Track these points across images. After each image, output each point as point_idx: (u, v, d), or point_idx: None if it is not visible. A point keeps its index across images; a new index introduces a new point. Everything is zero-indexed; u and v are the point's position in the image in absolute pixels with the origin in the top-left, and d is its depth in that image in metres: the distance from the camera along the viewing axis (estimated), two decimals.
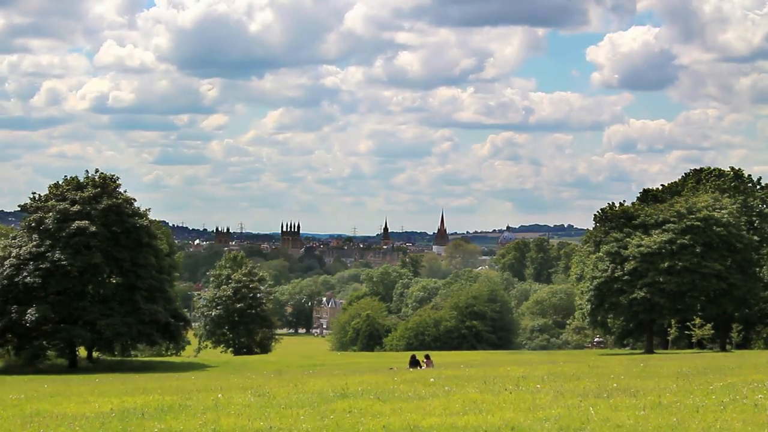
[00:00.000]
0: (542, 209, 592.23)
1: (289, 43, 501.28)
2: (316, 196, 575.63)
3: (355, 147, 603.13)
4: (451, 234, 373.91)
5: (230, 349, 75.86)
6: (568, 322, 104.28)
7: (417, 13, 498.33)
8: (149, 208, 53.52)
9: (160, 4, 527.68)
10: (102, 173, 52.76)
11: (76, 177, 52.93)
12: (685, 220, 56.26)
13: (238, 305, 74.37)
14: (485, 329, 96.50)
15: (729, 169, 68.06)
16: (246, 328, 75.21)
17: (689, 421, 12.77)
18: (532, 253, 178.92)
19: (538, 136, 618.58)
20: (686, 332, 56.99)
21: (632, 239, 56.99)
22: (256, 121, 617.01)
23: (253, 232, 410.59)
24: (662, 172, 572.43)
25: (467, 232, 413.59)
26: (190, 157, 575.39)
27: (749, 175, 67.52)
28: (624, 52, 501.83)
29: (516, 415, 13.80)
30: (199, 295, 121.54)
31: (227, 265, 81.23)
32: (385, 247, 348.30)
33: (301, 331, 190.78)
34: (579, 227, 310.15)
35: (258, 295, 75.66)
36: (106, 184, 51.78)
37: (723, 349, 57.12)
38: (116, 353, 56.15)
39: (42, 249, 48.07)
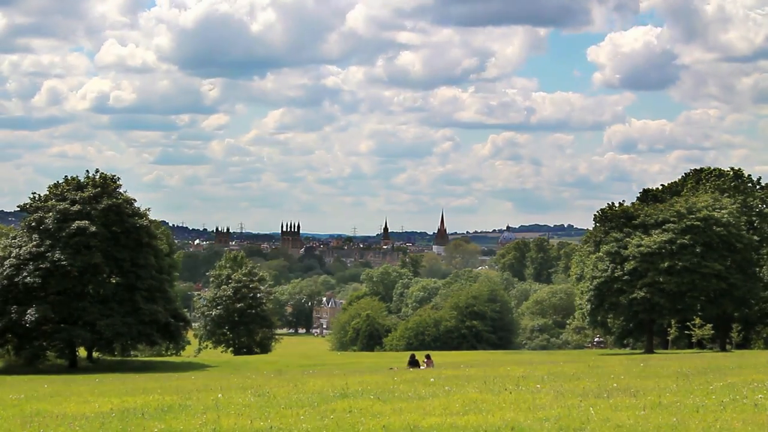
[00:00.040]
0: (542, 209, 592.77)
1: (291, 42, 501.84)
2: (316, 196, 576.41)
3: (355, 147, 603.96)
4: (451, 234, 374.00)
5: (230, 349, 75.88)
6: (568, 322, 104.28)
7: (418, 12, 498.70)
8: (149, 208, 53.66)
9: (162, 4, 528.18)
10: (102, 173, 52.78)
11: (77, 177, 52.95)
12: (685, 220, 56.26)
13: (238, 305, 74.39)
14: (485, 329, 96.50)
15: (729, 169, 68.08)
16: (246, 328, 75.23)
17: (689, 421, 12.77)
18: (532, 253, 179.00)
19: (538, 136, 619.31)
20: (686, 332, 56.97)
21: (632, 239, 57.00)
22: (257, 121, 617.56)
23: (253, 232, 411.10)
24: (663, 172, 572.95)
25: (467, 232, 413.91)
26: (190, 157, 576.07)
27: (749, 175, 67.55)
28: (625, 52, 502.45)
29: (516, 415, 13.80)
30: (199, 295, 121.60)
31: (227, 265, 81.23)
32: (385, 247, 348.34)
33: (301, 331, 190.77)
34: (579, 227, 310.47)
35: (258, 295, 75.67)
36: (106, 184, 51.78)
37: (723, 349, 57.12)
38: (116, 353, 56.16)
39: (42, 249, 48.08)
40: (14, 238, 51.00)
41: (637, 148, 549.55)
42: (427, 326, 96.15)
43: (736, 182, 66.16)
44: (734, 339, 61.19)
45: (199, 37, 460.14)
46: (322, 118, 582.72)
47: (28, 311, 46.98)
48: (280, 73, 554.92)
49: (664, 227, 56.67)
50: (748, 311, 60.14)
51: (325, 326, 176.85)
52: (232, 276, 76.75)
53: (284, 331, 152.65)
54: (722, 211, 57.11)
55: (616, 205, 62.53)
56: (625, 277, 56.13)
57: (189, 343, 76.31)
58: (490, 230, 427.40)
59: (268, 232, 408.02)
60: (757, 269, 60.08)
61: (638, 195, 70.35)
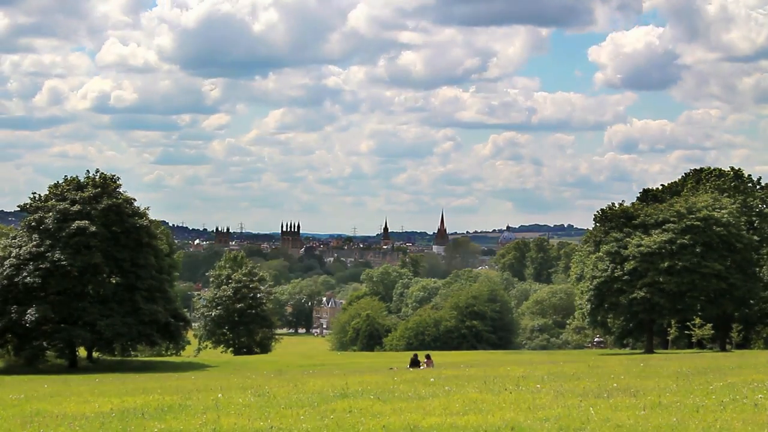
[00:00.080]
0: (543, 209, 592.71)
1: (293, 42, 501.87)
2: (316, 196, 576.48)
3: (356, 147, 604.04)
4: (451, 234, 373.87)
5: (230, 349, 75.87)
6: (568, 322, 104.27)
7: (420, 12, 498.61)
8: (148, 207, 53.62)
9: (163, 4, 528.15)
10: (102, 173, 52.77)
11: (77, 177, 52.95)
12: (685, 220, 56.27)
13: (238, 305, 74.39)
14: (485, 329, 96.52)
15: (729, 169, 68.08)
16: (246, 328, 75.23)
17: (689, 421, 12.77)
18: (532, 253, 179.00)
19: (540, 136, 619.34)
20: (686, 332, 56.98)
21: (632, 239, 57.00)
22: (257, 121, 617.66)
23: (253, 232, 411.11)
24: (663, 172, 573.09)
25: (467, 232, 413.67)
26: (191, 157, 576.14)
27: (749, 175, 67.58)
28: (627, 52, 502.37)
29: (516, 415, 13.80)
30: (199, 295, 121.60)
31: (227, 265, 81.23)
32: (385, 247, 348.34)
33: (301, 331, 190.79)
34: (579, 227, 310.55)
35: (258, 295, 75.68)
36: (106, 184, 51.77)
37: (723, 349, 57.12)
38: (116, 353, 56.16)
39: (42, 249, 48.07)
40: (14, 238, 50.99)
41: (638, 148, 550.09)
42: (427, 326, 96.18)
43: (736, 182, 66.18)
44: (734, 339, 61.20)
45: (201, 36, 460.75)
46: (323, 118, 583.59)
47: (28, 311, 46.98)
48: (281, 73, 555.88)
49: (664, 227, 56.67)
50: (748, 311, 60.14)
51: (325, 326, 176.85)
52: (232, 276, 76.75)
53: (284, 331, 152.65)
54: (722, 211, 57.11)
55: (616, 205, 62.53)
56: (625, 277, 56.13)
57: (189, 343, 76.32)
58: (490, 230, 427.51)
59: (268, 232, 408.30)
60: (757, 269, 60.08)
61: (638, 195, 70.44)
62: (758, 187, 66.77)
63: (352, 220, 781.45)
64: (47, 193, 51.90)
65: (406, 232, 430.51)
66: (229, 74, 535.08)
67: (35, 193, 51.97)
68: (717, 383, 18.35)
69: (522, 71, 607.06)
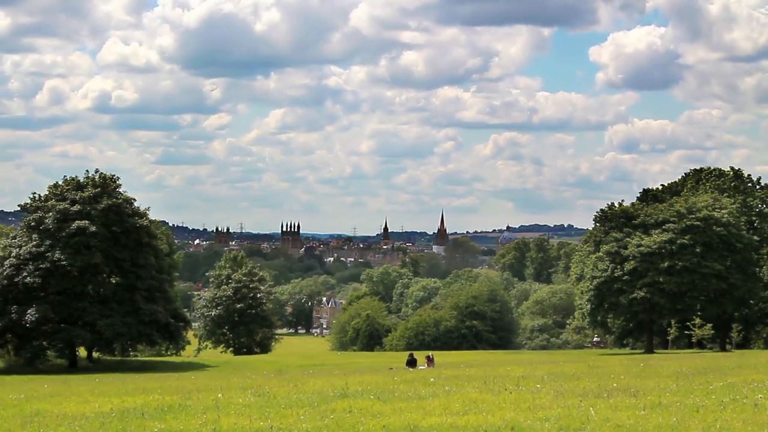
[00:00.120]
0: (543, 209, 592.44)
1: (294, 42, 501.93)
2: (316, 195, 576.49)
3: (357, 147, 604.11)
4: (451, 234, 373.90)
5: (230, 349, 75.86)
6: (568, 322, 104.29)
7: (422, 11, 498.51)
8: (148, 207, 53.63)
9: (164, 4, 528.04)
10: (102, 173, 52.77)
11: (76, 177, 52.94)
12: (684, 220, 56.26)
13: (238, 305, 74.38)
14: (485, 329, 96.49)
15: (729, 169, 68.08)
16: (246, 328, 75.22)
17: (689, 421, 12.77)
18: (532, 253, 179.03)
19: (540, 136, 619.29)
20: (686, 332, 56.97)
21: (632, 239, 56.99)
22: (258, 121, 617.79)
23: (253, 232, 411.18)
24: (664, 172, 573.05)
25: (467, 231, 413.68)
26: (192, 157, 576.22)
27: (749, 175, 67.59)
28: (628, 52, 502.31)
29: (516, 415, 13.80)
30: (198, 295, 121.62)
31: (227, 265, 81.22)
32: (385, 247, 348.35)
33: (301, 331, 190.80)
34: (579, 227, 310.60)
35: (258, 295, 75.66)
36: (106, 184, 51.77)
37: (723, 349, 57.11)
38: (116, 353, 56.16)
39: (42, 249, 48.07)
40: (14, 238, 51.00)
41: (639, 148, 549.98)
42: (427, 326, 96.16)
43: (736, 182, 66.18)
44: (734, 339, 61.18)
45: (203, 36, 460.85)
46: (323, 118, 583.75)
47: (28, 311, 46.98)
48: (283, 73, 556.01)
49: (664, 227, 56.67)
50: (748, 311, 60.13)
51: (325, 326, 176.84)
52: (232, 276, 76.75)
53: (284, 331, 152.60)
54: (722, 211, 57.11)
55: (616, 205, 62.52)
56: (625, 277, 56.12)
57: (189, 343, 76.29)
58: (490, 230, 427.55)
59: (268, 232, 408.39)
60: (757, 269, 60.07)
61: (638, 195, 70.43)
62: (758, 187, 66.77)
63: (352, 220, 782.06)
64: (47, 193, 51.89)
65: (406, 232, 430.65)
66: (231, 74, 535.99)
67: (35, 193, 52.07)
68: (717, 383, 18.35)
69: (523, 71, 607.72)
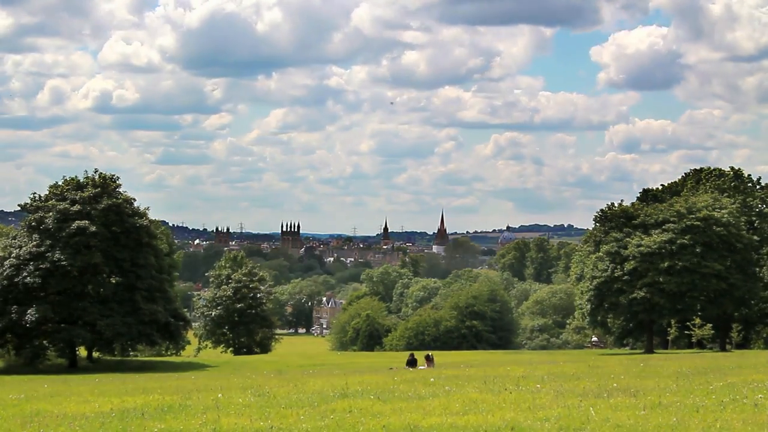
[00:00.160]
0: (543, 209, 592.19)
1: (296, 42, 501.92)
2: (316, 195, 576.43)
3: (357, 146, 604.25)
4: (451, 234, 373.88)
5: (230, 349, 75.85)
6: (568, 322, 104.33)
7: (424, 11, 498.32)
8: (148, 207, 53.61)
9: (166, 4, 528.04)
10: (101, 173, 52.76)
11: (76, 177, 52.93)
12: (684, 220, 56.27)
13: (238, 305, 74.37)
14: (485, 329, 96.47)
15: (729, 169, 68.09)
16: (246, 328, 75.21)
17: (689, 421, 12.77)
18: (532, 253, 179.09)
19: (541, 136, 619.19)
20: (686, 332, 56.98)
21: (632, 239, 57.00)
22: (259, 121, 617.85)
23: (253, 232, 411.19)
24: (665, 172, 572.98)
25: (467, 231, 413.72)
26: (192, 156, 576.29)
27: (749, 175, 67.60)
28: (630, 52, 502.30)
29: (516, 415, 13.80)
30: (198, 295, 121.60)
31: (227, 265, 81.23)
32: (385, 247, 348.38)
33: (301, 331, 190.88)
34: (579, 227, 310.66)
35: (258, 295, 75.64)
36: (106, 184, 51.77)
37: (723, 349, 57.11)
38: (116, 353, 56.14)
39: (42, 249, 48.07)
40: (14, 238, 51.00)
41: (639, 148, 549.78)
42: (427, 326, 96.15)
43: (735, 182, 66.19)
44: (734, 339, 61.19)
45: (204, 36, 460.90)
46: (324, 118, 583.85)
47: (28, 311, 46.98)
48: (285, 73, 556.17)
49: (664, 227, 56.68)
50: (748, 311, 60.14)
51: (325, 326, 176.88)
52: (232, 276, 76.74)
53: (284, 331, 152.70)
54: (722, 211, 57.12)
55: (616, 205, 62.53)
56: (625, 277, 56.13)
57: (189, 343, 76.31)
58: (490, 230, 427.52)
59: (268, 232, 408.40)
60: (757, 269, 60.07)
61: (638, 195, 70.44)
62: (758, 187, 66.78)
63: (352, 220, 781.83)
64: (47, 193, 51.89)
65: (406, 232, 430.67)
66: (232, 74, 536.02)
67: (35, 193, 52.05)
68: (717, 383, 18.35)
69: (525, 71, 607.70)
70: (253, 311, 74.82)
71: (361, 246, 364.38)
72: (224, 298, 75.33)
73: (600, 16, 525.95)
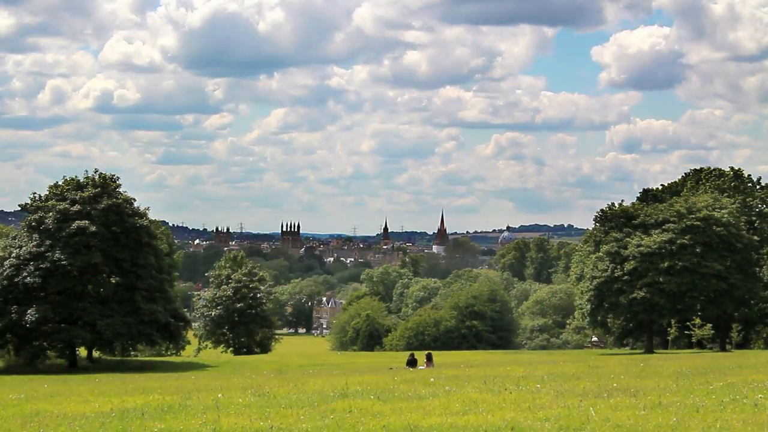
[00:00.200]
0: (543, 209, 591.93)
1: (298, 42, 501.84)
2: (317, 195, 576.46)
3: (358, 146, 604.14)
4: (451, 234, 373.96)
5: (230, 349, 75.85)
6: (568, 322, 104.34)
7: (426, 11, 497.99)
8: (148, 207, 53.61)
9: (167, 4, 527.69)
10: (101, 173, 52.76)
11: (76, 177, 52.92)
12: (684, 220, 56.27)
13: (238, 305, 74.36)
14: (485, 329, 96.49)
15: (729, 169, 68.11)
16: (246, 328, 75.20)
17: (689, 421, 12.77)
18: (532, 253, 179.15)
19: (542, 136, 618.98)
20: (686, 332, 56.98)
21: (632, 239, 57.00)
22: (259, 121, 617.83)
23: (253, 232, 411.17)
24: (665, 172, 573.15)
25: (467, 232, 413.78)
26: (193, 156, 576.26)
27: (749, 175, 67.61)
28: (632, 52, 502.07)
29: (516, 415, 13.80)
30: (198, 295, 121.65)
31: (227, 265, 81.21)
32: (385, 247, 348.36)
33: (301, 331, 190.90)
34: (579, 227, 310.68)
35: (258, 295, 75.63)
36: (106, 184, 51.77)
37: (723, 349, 57.11)
38: (116, 353, 56.12)
39: (42, 249, 48.05)
40: (14, 238, 50.99)
41: (640, 147, 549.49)
42: (427, 326, 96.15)
43: (735, 182, 66.19)
44: (734, 339, 61.19)
45: (206, 36, 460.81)
46: (325, 118, 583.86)
47: (28, 311, 46.97)
48: (286, 73, 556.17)
49: (664, 227, 56.68)
50: (748, 311, 60.14)
51: (325, 326, 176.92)
52: (232, 276, 76.73)
53: (284, 331, 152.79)
54: (722, 211, 57.12)
55: (616, 205, 62.53)
56: (625, 277, 56.12)
57: (189, 343, 76.31)
58: (490, 230, 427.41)
59: (268, 232, 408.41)
60: (757, 269, 60.06)
61: (638, 195, 70.44)
62: (758, 187, 66.78)
63: (352, 220, 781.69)
64: (47, 193, 51.90)
65: (406, 232, 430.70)
66: (234, 74, 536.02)
67: (35, 193, 52.03)
68: (717, 383, 18.35)
69: (526, 71, 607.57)
70: (253, 311, 74.81)
71: (361, 246, 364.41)
72: (224, 298, 75.32)
73: (603, 16, 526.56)
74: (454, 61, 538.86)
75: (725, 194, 63.17)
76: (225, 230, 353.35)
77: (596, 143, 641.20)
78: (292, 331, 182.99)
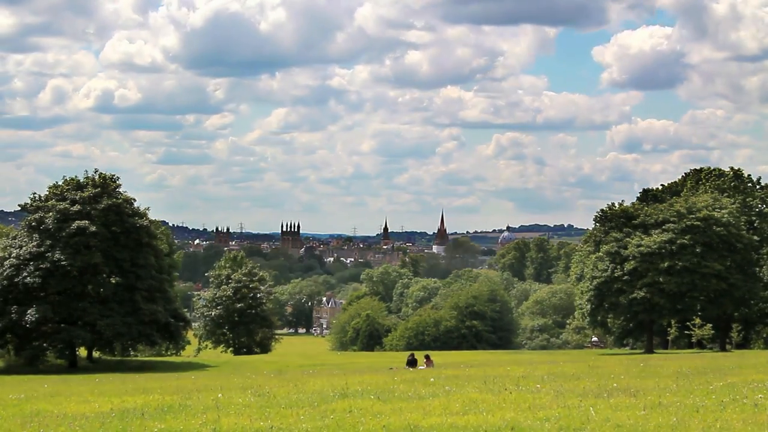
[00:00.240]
0: (543, 209, 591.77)
1: (299, 42, 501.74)
2: (317, 195, 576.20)
3: (359, 146, 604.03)
4: (451, 234, 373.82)
5: (230, 349, 75.86)
6: (568, 322, 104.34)
7: (428, 10, 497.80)
8: (148, 207, 53.61)
9: (169, 4, 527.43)
10: (101, 173, 52.76)
11: (76, 177, 52.93)
12: (684, 220, 56.28)
13: (238, 305, 74.37)
14: (485, 329, 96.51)
15: (729, 169, 68.12)
16: (246, 328, 75.21)
17: (689, 421, 12.77)
18: (532, 253, 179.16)
19: (543, 136, 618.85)
20: (686, 332, 57.00)
21: (632, 239, 57.00)
22: (260, 121, 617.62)
23: (253, 232, 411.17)
24: (666, 172, 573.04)
25: (467, 231, 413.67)
26: (193, 156, 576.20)
27: (749, 175, 67.63)
28: (633, 52, 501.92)
29: (516, 415, 13.80)
30: (198, 295, 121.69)
31: (227, 265, 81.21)
32: (385, 247, 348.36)
33: (301, 331, 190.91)
34: (579, 227, 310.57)
35: (258, 295, 75.65)
36: (106, 184, 51.77)
37: (723, 349, 57.12)
38: (116, 353, 56.10)
39: (42, 249, 48.06)
40: (14, 238, 50.98)
41: (641, 147, 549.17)
42: (427, 326, 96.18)
43: (735, 182, 66.20)
44: (734, 339, 61.21)
45: (208, 36, 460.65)
46: (326, 118, 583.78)
47: (28, 311, 46.97)
48: (288, 73, 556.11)
49: (664, 227, 56.68)
50: (748, 311, 60.15)
51: (325, 326, 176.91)
52: (232, 276, 76.73)
53: (284, 331, 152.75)
54: (722, 211, 57.12)
55: (616, 205, 62.53)
56: (625, 277, 56.12)
57: (189, 343, 76.31)
58: (490, 230, 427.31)
59: (268, 232, 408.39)
60: (757, 269, 60.07)
61: (638, 195, 70.45)
62: (758, 187, 66.79)
63: (352, 220, 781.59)
64: (47, 193, 51.90)
65: (406, 232, 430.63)
66: (235, 74, 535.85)
67: (35, 193, 52.03)
68: (717, 383, 18.35)
69: (528, 71, 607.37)
70: (253, 311, 74.83)
71: (361, 246, 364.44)
72: (224, 298, 75.33)
73: (606, 16, 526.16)
74: (455, 61, 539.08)
75: (725, 194, 63.19)
76: (225, 230, 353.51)
77: (597, 143, 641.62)
78: (292, 331, 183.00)
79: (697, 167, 71.55)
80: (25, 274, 47.63)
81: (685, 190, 67.43)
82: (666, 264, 54.87)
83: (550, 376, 22.77)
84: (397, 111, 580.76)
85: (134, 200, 52.48)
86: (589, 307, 60.18)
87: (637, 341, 69.11)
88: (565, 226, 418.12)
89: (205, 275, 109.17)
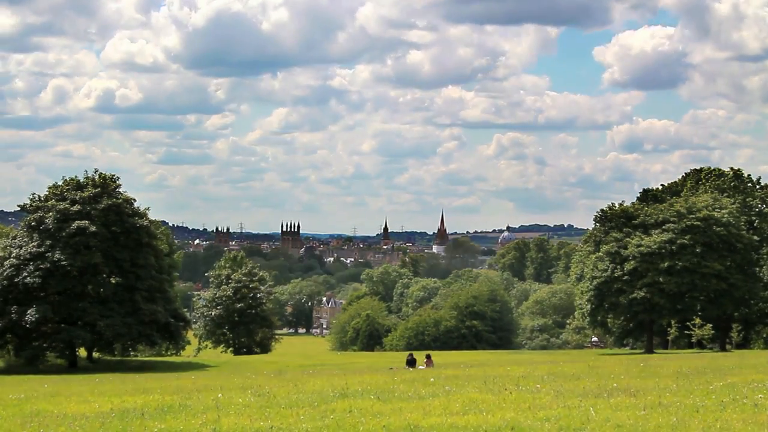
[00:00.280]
0: (544, 209, 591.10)
1: (301, 42, 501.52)
2: (317, 195, 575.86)
3: (359, 146, 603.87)
4: (451, 234, 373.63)
5: (230, 349, 75.87)
6: (568, 322, 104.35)
7: (430, 10, 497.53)
8: (148, 208, 53.62)
9: (171, 3, 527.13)
10: (101, 173, 52.76)
11: (76, 177, 52.93)
12: (684, 220, 56.29)
13: (238, 305, 74.39)
14: (485, 329, 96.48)
15: (729, 169, 68.14)
16: (246, 328, 75.23)
17: (689, 421, 12.77)
18: (532, 253, 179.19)
19: (544, 136, 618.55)
20: (686, 332, 56.99)
21: (632, 239, 57.01)
22: (261, 120, 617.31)
23: (253, 232, 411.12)
24: (666, 172, 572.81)
25: (467, 231, 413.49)
26: (194, 156, 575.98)
27: (749, 175, 67.65)
28: (635, 52, 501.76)
29: (516, 415, 13.80)
30: (198, 295, 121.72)
31: (227, 265, 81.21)
32: (385, 247, 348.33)
33: (301, 331, 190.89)
34: (579, 227, 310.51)
35: (258, 295, 75.66)
36: (106, 184, 51.77)
37: (723, 349, 57.13)
38: (116, 353, 56.09)
39: (42, 249, 48.07)
40: (14, 238, 50.99)
41: (642, 147, 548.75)
42: (427, 326, 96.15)
43: (735, 182, 66.21)
44: (734, 339, 61.21)
45: (209, 36, 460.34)
46: (327, 118, 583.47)
47: (28, 311, 46.98)
48: (289, 73, 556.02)
49: (664, 227, 56.69)
50: (748, 311, 60.16)
51: (325, 326, 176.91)
52: (232, 276, 76.74)
53: (284, 331, 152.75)
54: (722, 211, 57.14)
55: (617, 205, 62.53)
56: (625, 277, 56.13)
57: (189, 343, 76.29)
58: (490, 230, 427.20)
59: (268, 232, 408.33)
60: (757, 269, 60.09)
61: (638, 195, 70.45)
62: (758, 187, 66.80)
63: (352, 220, 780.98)
64: (47, 193, 51.90)
65: (406, 232, 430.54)
66: (236, 74, 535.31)
67: (35, 193, 52.03)
68: (717, 383, 18.36)
69: (529, 71, 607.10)
70: (253, 311, 74.84)
71: (361, 246, 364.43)
72: (224, 298, 75.34)
73: (609, 16, 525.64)
74: (457, 61, 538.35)
75: (725, 194, 63.20)
76: (225, 230, 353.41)
77: (598, 143, 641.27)
78: (292, 331, 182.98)
79: (698, 167, 71.63)
80: (25, 274, 47.63)
81: (685, 190, 67.44)
82: (666, 264, 54.88)
83: (550, 376, 22.77)
84: (398, 111, 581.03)
85: (134, 200, 52.55)
86: (589, 307, 60.19)
87: (637, 341, 69.11)
88: (566, 226, 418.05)
89: (205, 275, 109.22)
